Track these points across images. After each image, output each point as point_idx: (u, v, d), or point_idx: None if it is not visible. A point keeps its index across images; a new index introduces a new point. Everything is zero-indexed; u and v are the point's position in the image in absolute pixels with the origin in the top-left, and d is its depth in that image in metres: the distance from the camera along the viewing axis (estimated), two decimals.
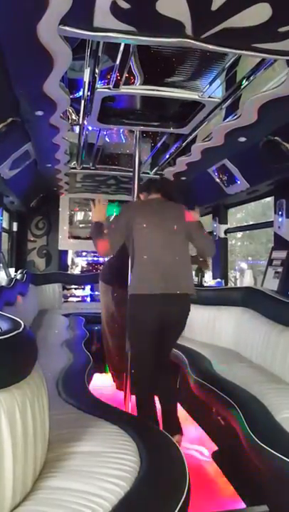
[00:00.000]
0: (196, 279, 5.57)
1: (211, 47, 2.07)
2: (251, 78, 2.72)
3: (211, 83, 2.91)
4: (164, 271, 2.87)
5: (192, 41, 2.01)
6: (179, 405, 3.77)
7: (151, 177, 5.42)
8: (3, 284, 4.51)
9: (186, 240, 3.06)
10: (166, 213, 3.05)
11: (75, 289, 7.23)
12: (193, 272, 6.27)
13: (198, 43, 2.03)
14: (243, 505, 2.46)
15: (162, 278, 2.86)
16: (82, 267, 7.98)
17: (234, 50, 2.18)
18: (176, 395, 3.34)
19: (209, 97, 3.09)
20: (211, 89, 3.00)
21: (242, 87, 2.85)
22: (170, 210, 3.09)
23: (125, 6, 1.78)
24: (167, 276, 2.87)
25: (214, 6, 1.79)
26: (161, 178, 4.00)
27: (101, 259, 7.42)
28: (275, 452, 1.97)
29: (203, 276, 5.69)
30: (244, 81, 2.79)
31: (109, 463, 1.60)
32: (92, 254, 7.61)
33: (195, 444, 3.30)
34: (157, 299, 2.83)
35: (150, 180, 3.91)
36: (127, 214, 3.08)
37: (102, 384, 4.54)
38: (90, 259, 7.80)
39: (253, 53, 2.18)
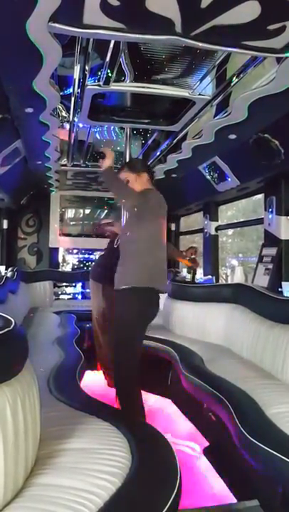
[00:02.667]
0: (188, 276, 5.59)
1: (200, 44, 2.08)
2: (241, 76, 2.73)
3: (201, 80, 2.92)
4: (163, 267, 2.89)
5: (182, 38, 2.02)
6: (170, 401, 3.79)
7: None
8: None
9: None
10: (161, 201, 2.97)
11: (66, 286, 7.21)
12: (185, 270, 6.31)
13: (187, 40, 2.03)
14: (234, 500, 2.48)
15: (162, 274, 2.87)
16: (74, 265, 7.96)
17: (224, 48, 2.20)
18: None
19: (199, 94, 3.10)
20: (202, 87, 3.01)
21: (232, 84, 2.86)
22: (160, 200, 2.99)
23: (115, 3, 1.78)
24: (163, 273, 2.88)
25: (204, 4, 1.80)
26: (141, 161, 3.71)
27: (92, 257, 7.41)
28: (265, 447, 1.99)
29: (195, 273, 5.70)
30: (234, 78, 2.81)
31: (100, 459, 1.61)
32: (84, 251, 7.60)
33: (186, 439, 3.32)
34: (152, 294, 2.84)
35: (137, 162, 3.59)
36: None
37: (93, 381, 4.54)
38: (81, 256, 7.79)
39: (242, 51, 2.19)
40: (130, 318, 2.81)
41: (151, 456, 1.72)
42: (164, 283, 2.79)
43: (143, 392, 3.16)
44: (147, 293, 2.76)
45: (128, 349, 2.86)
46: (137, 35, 2.02)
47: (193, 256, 4.46)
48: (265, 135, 3.39)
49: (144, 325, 2.86)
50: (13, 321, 1.58)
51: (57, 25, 1.94)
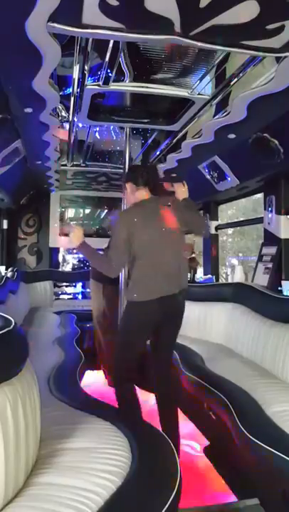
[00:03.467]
0: (188, 275, 5.59)
1: (199, 44, 2.09)
2: (240, 75, 2.73)
3: (200, 80, 2.92)
4: (166, 272, 2.82)
5: (181, 38, 2.02)
6: None
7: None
8: None
9: (181, 234, 2.99)
10: (161, 212, 2.93)
11: (67, 286, 7.21)
12: None
13: (186, 40, 2.03)
14: (234, 499, 2.49)
15: (165, 280, 2.81)
16: (74, 264, 7.96)
17: (223, 47, 2.20)
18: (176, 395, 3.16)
19: (199, 93, 3.10)
20: (201, 86, 3.01)
21: (231, 83, 2.86)
22: (162, 207, 2.96)
23: (114, 3, 1.78)
24: (169, 277, 2.83)
25: (202, 4, 1.80)
26: (148, 167, 3.66)
27: None
28: (265, 446, 2.00)
29: (195, 273, 5.72)
30: (233, 78, 2.80)
31: (100, 458, 1.61)
32: None
33: (186, 439, 3.32)
34: (161, 301, 2.79)
35: (137, 167, 3.70)
36: (126, 226, 2.84)
37: (94, 381, 4.55)
38: (81, 256, 7.79)
39: (241, 50, 2.19)
40: (125, 328, 2.94)
41: (152, 456, 1.73)
42: (159, 290, 2.80)
43: (143, 392, 3.16)
44: (140, 306, 2.82)
45: (125, 352, 2.92)
46: (136, 35, 2.02)
47: (193, 254, 4.47)
48: (265, 135, 3.40)
49: (142, 332, 2.92)
50: (13, 321, 1.59)
51: (56, 25, 1.94)
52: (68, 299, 7.15)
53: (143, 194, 3.00)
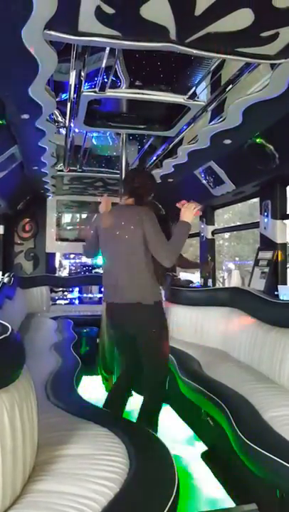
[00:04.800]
0: (201, 280, 5.61)
1: (195, 51, 2.10)
2: (236, 81, 2.75)
3: (196, 86, 2.94)
4: (114, 282, 2.96)
5: (176, 46, 2.03)
6: (167, 406, 3.79)
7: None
8: None
9: (142, 249, 2.86)
10: (124, 220, 2.92)
11: (63, 291, 7.20)
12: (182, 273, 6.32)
13: (182, 47, 2.04)
14: (232, 504, 2.48)
15: (113, 288, 2.98)
16: (70, 269, 7.95)
17: (218, 55, 2.21)
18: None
19: (195, 100, 3.11)
20: (197, 93, 3.03)
21: (227, 90, 2.88)
22: (129, 216, 2.91)
23: (110, 11, 1.80)
24: (116, 288, 2.95)
25: (198, 11, 1.81)
26: (137, 174, 3.40)
27: (89, 261, 7.41)
28: (263, 451, 2.00)
29: (208, 278, 5.71)
30: (229, 84, 2.82)
31: (98, 465, 1.61)
32: (80, 256, 7.59)
33: (184, 444, 3.32)
34: (109, 307, 3.08)
35: (128, 175, 3.48)
36: (94, 225, 3.15)
37: (91, 387, 4.53)
38: (78, 261, 7.79)
39: (236, 57, 2.20)
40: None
41: (149, 462, 1.73)
42: (110, 296, 3.03)
43: (140, 397, 3.18)
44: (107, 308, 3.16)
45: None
46: (132, 43, 2.03)
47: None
48: (260, 140, 3.42)
49: (110, 335, 3.10)
50: (9, 327, 1.59)
51: (52, 32, 1.95)
52: (65, 304, 7.14)
53: (123, 200, 3.08)
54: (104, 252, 3.08)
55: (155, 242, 2.83)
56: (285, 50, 2.12)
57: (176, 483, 1.56)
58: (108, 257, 3.04)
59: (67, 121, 3.68)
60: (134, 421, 2.96)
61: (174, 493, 1.49)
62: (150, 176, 3.37)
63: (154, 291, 2.95)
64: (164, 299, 3.10)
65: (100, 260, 3.75)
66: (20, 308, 5.68)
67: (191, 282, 5.80)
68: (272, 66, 2.39)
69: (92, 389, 4.46)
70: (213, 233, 5.77)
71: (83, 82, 2.90)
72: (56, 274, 7.49)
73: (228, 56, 2.21)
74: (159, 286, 3.02)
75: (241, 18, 1.86)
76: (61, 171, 5.38)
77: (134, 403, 3.43)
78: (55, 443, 1.79)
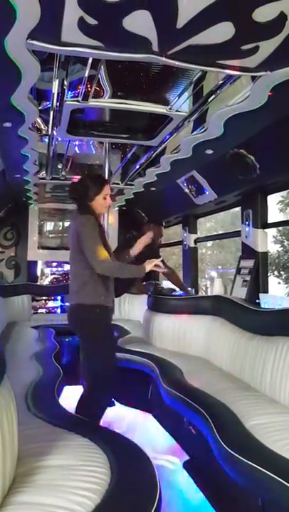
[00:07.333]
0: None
1: (177, 63, 2.13)
2: (217, 92, 2.79)
3: (178, 97, 2.98)
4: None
5: (158, 57, 2.06)
6: (150, 415, 3.77)
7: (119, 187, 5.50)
8: None
9: (78, 255, 3.00)
10: (70, 227, 3.23)
11: (45, 300, 7.13)
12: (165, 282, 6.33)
13: (164, 59, 2.07)
14: None
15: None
16: (53, 278, 7.89)
17: (199, 67, 2.25)
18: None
19: (177, 110, 3.15)
20: (179, 103, 3.06)
21: (208, 101, 2.92)
22: (72, 223, 3.20)
23: (92, 22, 1.81)
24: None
25: (179, 24, 1.84)
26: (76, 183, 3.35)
27: None
28: (245, 460, 2.00)
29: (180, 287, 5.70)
30: (210, 95, 2.86)
31: (79, 476, 1.60)
32: (63, 264, 7.54)
33: (166, 454, 3.31)
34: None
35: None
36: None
37: (72, 396, 4.48)
38: (60, 269, 7.73)
39: (217, 69, 2.25)
40: None
41: (131, 472, 1.72)
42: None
43: (123, 407, 3.16)
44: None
45: None
46: (115, 54, 2.05)
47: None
48: (241, 150, 3.47)
49: None
50: None
51: (35, 42, 1.95)
52: (47, 313, 7.07)
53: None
54: None
55: (86, 252, 2.96)
56: (265, 63, 2.17)
57: (158, 493, 1.55)
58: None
59: (50, 130, 3.67)
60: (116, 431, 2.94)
61: (155, 503, 1.49)
62: (87, 176, 3.46)
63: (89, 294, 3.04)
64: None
65: None
66: (0, 317, 5.60)
67: (174, 291, 5.80)
68: (253, 78, 2.44)
69: (74, 399, 4.40)
70: (195, 241, 5.81)
71: (66, 91, 2.91)
72: (38, 283, 7.42)
73: (209, 68, 2.25)
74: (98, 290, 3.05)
75: (222, 32, 1.90)
76: (44, 178, 5.36)
77: (115, 413, 3.40)
78: (35, 454, 1.77)
